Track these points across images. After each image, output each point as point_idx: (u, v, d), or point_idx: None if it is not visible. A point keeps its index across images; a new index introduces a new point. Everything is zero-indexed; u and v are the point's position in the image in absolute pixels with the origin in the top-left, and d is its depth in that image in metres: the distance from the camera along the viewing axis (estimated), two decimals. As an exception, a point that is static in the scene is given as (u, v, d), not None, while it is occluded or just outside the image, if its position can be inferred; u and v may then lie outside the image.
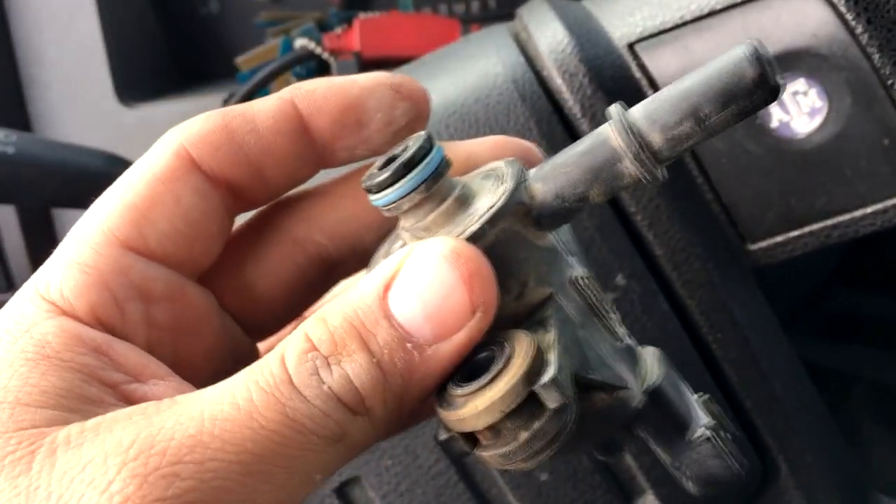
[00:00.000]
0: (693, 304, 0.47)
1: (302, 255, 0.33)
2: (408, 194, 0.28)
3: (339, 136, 0.31)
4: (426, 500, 0.46)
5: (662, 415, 0.31)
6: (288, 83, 0.97)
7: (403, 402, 0.26)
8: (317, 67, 0.98)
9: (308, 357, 0.25)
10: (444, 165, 0.29)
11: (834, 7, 0.44)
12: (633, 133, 0.27)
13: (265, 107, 0.31)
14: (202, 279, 0.33)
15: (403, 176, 0.28)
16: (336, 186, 0.34)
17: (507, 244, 0.28)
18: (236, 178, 0.31)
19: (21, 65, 0.91)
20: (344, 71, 0.92)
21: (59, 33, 0.90)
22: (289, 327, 0.35)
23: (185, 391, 0.27)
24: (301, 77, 0.97)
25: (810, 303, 0.72)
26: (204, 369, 0.31)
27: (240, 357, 0.33)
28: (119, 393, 0.27)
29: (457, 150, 0.33)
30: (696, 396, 0.32)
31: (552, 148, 0.47)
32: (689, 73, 0.27)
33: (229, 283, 0.33)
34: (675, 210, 0.46)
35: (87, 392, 0.26)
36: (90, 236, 0.29)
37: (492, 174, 0.30)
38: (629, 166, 0.27)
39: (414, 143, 0.29)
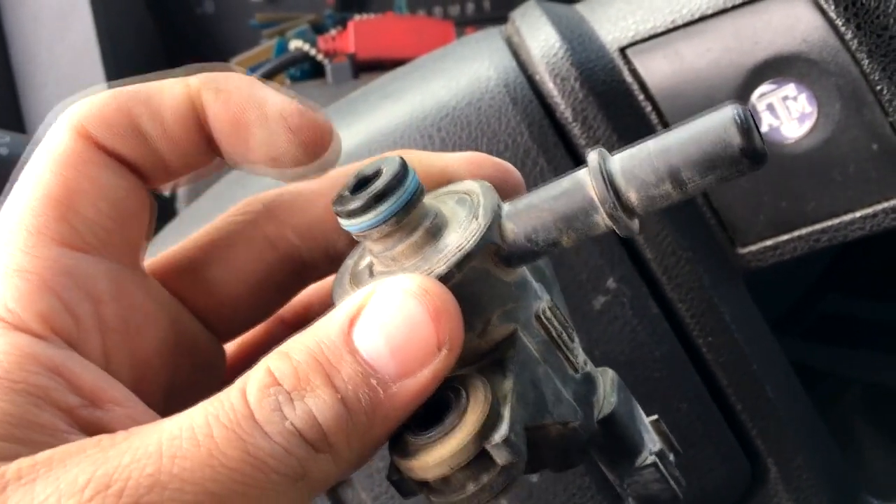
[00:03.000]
0: (683, 308, 0.47)
1: (272, 254, 0.32)
2: (377, 225, 0.27)
3: (227, 142, 0.30)
4: (416, 502, 0.46)
5: (614, 441, 0.31)
6: (283, 85, 0.97)
7: (367, 439, 0.25)
8: (311, 69, 0.98)
9: (270, 392, 0.24)
10: (416, 196, 0.28)
11: (824, 12, 0.44)
12: (610, 187, 0.26)
13: (171, 96, 0.29)
14: (165, 276, 0.32)
15: (374, 206, 0.27)
16: (311, 186, 0.33)
17: (473, 282, 0.27)
18: (135, 160, 0.29)
19: (15, 65, 0.90)
20: (338, 73, 0.92)
21: (53, 34, 0.90)
22: (256, 329, 0.35)
23: (143, 418, 0.26)
24: (295, 79, 0.98)
25: (800, 306, 0.72)
26: (160, 370, 0.30)
27: (201, 357, 0.32)
28: (73, 418, 0.25)
29: (433, 162, 0.32)
30: (648, 419, 0.33)
31: (544, 151, 0.47)
32: (671, 129, 0.26)
33: (194, 280, 0.32)
34: (665, 214, 0.47)
35: (39, 418, 0.24)
36: (19, 239, 0.27)
37: (466, 199, 0.30)
38: (604, 219, 0.26)
39: (387, 169, 0.28)
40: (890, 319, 0.71)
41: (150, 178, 0.30)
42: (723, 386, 0.47)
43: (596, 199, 0.26)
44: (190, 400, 0.30)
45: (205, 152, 0.30)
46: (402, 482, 0.27)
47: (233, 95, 0.29)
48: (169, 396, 0.30)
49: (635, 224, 0.27)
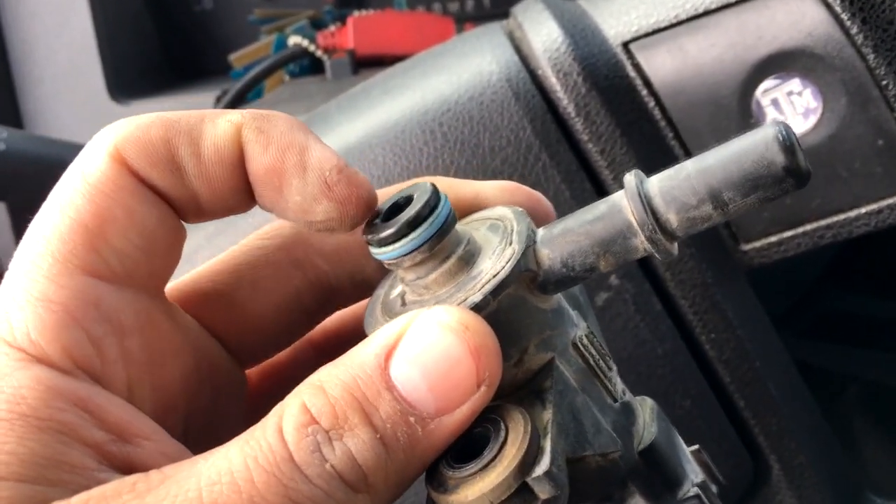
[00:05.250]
0: (686, 305, 0.47)
1: (300, 278, 0.32)
2: (409, 253, 0.27)
3: (261, 186, 0.29)
4: (418, 501, 0.46)
5: (655, 473, 0.31)
6: (281, 81, 0.97)
7: (403, 476, 0.25)
8: (310, 65, 0.97)
9: (308, 431, 0.23)
10: (449, 223, 0.27)
11: (829, 7, 0.44)
12: (649, 210, 0.25)
13: (212, 133, 0.28)
14: (189, 300, 0.31)
15: (406, 235, 0.27)
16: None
17: (509, 310, 0.27)
18: (169, 193, 0.29)
19: (13, 61, 0.90)
20: (338, 69, 0.91)
21: (51, 29, 0.89)
22: (281, 354, 0.34)
23: (173, 453, 0.26)
24: (294, 75, 0.97)
25: (801, 303, 0.72)
26: (182, 398, 0.29)
27: (222, 382, 0.31)
28: (102, 454, 0.24)
29: (465, 189, 0.31)
30: (689, 449, 0.33)
31: (546, 146, 0.46)
32: (711, 150, 0.25)
33: (218, 304, 0.31)
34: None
35: (69, 457, 0.24)
36: (44, 266, 0.26)
37: (499, 225, 0.29)
38: (643, 242, 0.26)
39: (419, 196, 0.27)
40: (891, 317, 0.71)
41: (183, 213, 0.29)
42: (725, 383, 0.47)
43: (634, 222, 0.26)
44: (210, 426, 0.30)
45: (242, 196, 0.29)
46: None
47: (274, 138, 0.28)
48: (188, 423, 0.30)
49: (674, 247, 0.26)
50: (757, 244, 0.47)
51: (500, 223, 0.29)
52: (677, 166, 0.26)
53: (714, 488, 0.32)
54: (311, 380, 0.25)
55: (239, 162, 0.28)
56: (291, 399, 0.24)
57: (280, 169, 0.28)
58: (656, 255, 0.26)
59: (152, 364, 0.28)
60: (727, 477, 0.47)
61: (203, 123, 0.28)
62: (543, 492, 0.25)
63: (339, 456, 0.23)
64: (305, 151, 0.28)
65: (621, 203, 0.26)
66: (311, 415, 0.24)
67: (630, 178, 0.26)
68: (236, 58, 1.00)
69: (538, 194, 0.33)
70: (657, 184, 0.26)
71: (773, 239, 0.47)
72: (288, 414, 0.24)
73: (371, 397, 0.24)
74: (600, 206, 0.27)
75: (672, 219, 0.25)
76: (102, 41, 0.90)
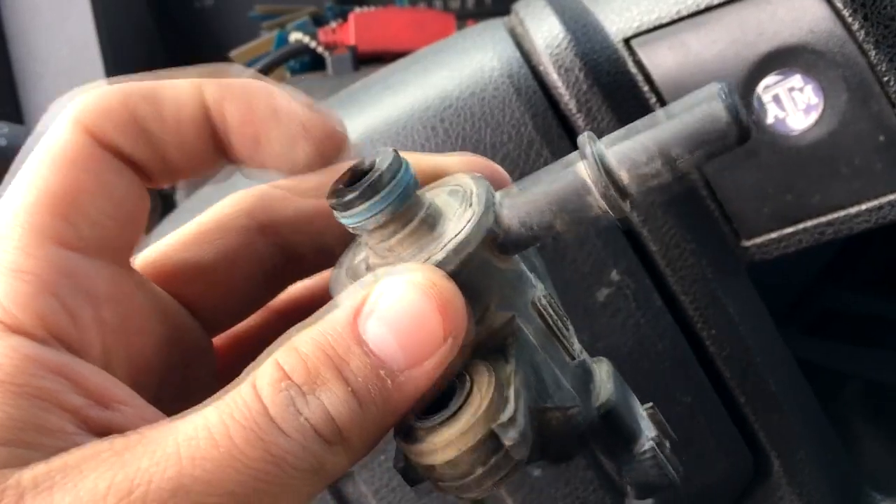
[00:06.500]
0: (687, 300, 0.47)
1: (264, 244, 0.32)
2: (373, 216, 0.28)
3: (241, 145, 0.29)
4: (418, 496, 0.46)
5: (612, 430, 0.32)
6: (283, 78, 0.97)
7: (377, 429, 0.25)
8: (311, 61, 0.97)
9: (282, 387, 0.24)
10: (411, 186, 0.28)
11: (830, 3, 0.44)
12: (602, 168, 0.27)
13: (173, 93, 0.28)
14: (156, 270, 0.31)
15: (370, 197, 0.27)
16: (306, 179, 0.32)
17: (471, 270, 0.27)
18: (139, 159, 0.29)
19: (14, 57, 0.90)
20: (339, 65, 0.91)
21: (52, 25, 0.89)
22: (247, 321, 0.34)
23: (150, 417, 0.26)
24: (295, 71, 0.97)
25: (801, 301, 0.72)
26: (155, 367, 0.30)
27: (191, 350, 0.32)
28: (81, 419, 0.25)
29: (425, 162, 0.32)
30: (643, 408, 0.34)
31: (547, 142, 0.47)
32: (659, 110, 0.27)
33: (185, 272, 0.32)
34: (669, 205, 0.46)
35: (47, 422, 0.24)
36: (15, 237, 0.26)
37: (458, 190, 0.30)
38: (597, 200, 0.27)
39: (381, 160, 0.28)
40: (891, 315, 0.71)
41: (153, 177, 0.30)
42: (726, 379, 0.47)
43: (588, 180, 0.27)
44: (181, 393, 0.30)
45: (213, 155, 0.30)
46: (408, 469, 0.27)
47: (248, 98, 0.29)
48: (160, 391, 0.30)
49: (627, 205, 0.27)
50: (758, 240, 0.47)
51: (460, 188, 0.30)
52: (629, 126, 0.27)
53: (667, 444, 0.33)
54: (283, 339, 0.25)
55: (203, 118, 0.29)
56: (264, 358, 0.25)
57: (252, 119, 0.28)
58: (609, 211, 0.27)
59: (126, 332, 0.28)
60: (727, 473, 0.47)
61: (163, 86, 0.29)
62: (509, 438, 0.26)
63: (313, 410, 0.24)
64: (273, 98, 0.29)
65: (575, 162, 0.27)
66: (283, 371, 0.24)
67: (583, 138, 0.27)
68: (237, 54, 1.00)
69: (497, 167, 0.33)
70: (609, 143, 0.27)
71: (773, 235, 0.47)
72: (262, 372, 0.24)
73: (342, 353, 0.25)
74: (555, 167, 0.28)
75: (624, 176, 0.27)
76: (103, 37, 0.90)
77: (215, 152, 0.30)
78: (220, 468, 0.23)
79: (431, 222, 0.29)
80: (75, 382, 0.25)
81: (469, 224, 0.27)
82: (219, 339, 0.34)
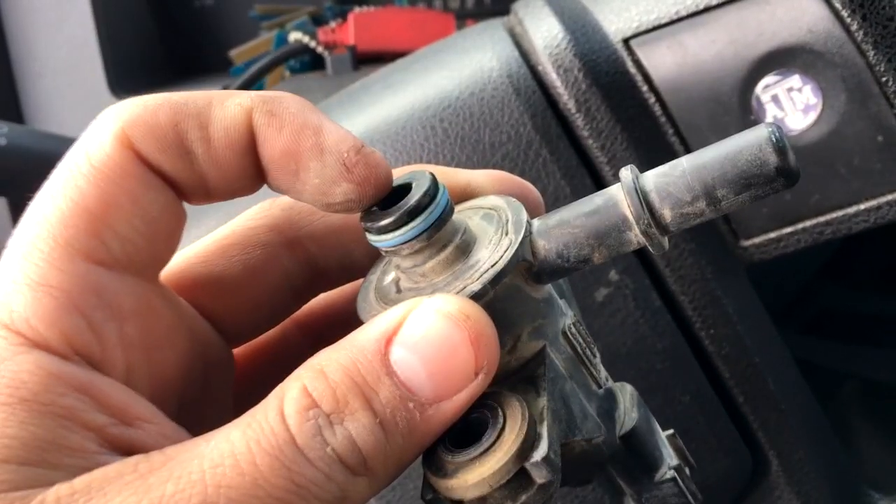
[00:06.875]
0: (686, 300, 0.47)
1: (289, 258, 0.32)
2: (409, 242, 0.27)
3: (277, 171, 0.28)
4: (417, 495, 0.46)
5: (634, 456, 0.32)
6: (282, 77, 0.97)
7: (402, 460, 0.25)
8: (311, 61, 0.97)
9: (310, 415, 0.24)
10: (447, 213, 0.28)
11: (829, 3, 0.44)
12: (644, 205, 0.26)
13: (222, 116, 0.28)
14: (180, 280, 0.31)
15: (406, 223, 0.27)
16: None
17: (505, 299, 0.27)
18: (176, 178, 0.28)
19: (13, 56, 0.90)
20: (339, 65, 0.92)
21: (51, 24, 0.89)
22: (268, 334, 0.34)
23: (172, 434, 0.26)
24: (295, 71, 0.97)
25: (801, 299, 0.72)
26: (176, 379, 0.29)
27: (212, 362, 0.31)
28: (104, 438, 0.24)
29: (457, 177, 0.32)
30: (664, 434, 0.34)
31: (546, 142, 0.47)
32: (706, 148, 0.26)
33: (210, 284, 0.31)
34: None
35: (70, 440, 0.24)
36: (45, 249, 0.26)
37: (492, 215, 0.29)
38: (637, 236, 0.27)
39: (418, 185, 0.28)
40: (889, 314, 0.71)
41: (190, 196, 0.29)
42: (725, 378, 0.47)
43: (630, 216, 0.26)
44: (201, 405, 0.31)
45: (252, 181, 0.29)
46: (437, 501, 0.26)
47: (296, 131, 0.28)
48: (181, 403, 0.30)
49: (666, 241, 0.27)
50: (756, 240, 0.48)
51: (494, 213, 0.30)
52: (672, 162, 0.26)
53: (688, 471, 0.33)
54: (311, 363, 0.25)
55: (250, 145, 0.28)
56: (292, 382, 0.25)
57: (296, 151, 0.28)
58: (650, 248, 0.27)
59: (150, 348, 0.28)
60: (726, 472, 0.47)
61: (212, 106, 0.28)
62: (541, 476, 0.25)
63: (339, 440, 0.24)
64: (321, 133, 0.28)
65: (617, 197, 0.27)
66: (312, 398, 0.24)
67: (626, 172, 0.27)
68: (237, 54, 1.00)
69: (528, 184, 0.33)
70: (653, 179, 0.26)
71: (772, 235, 0.47)
72: (289, 397, 0.24)
73: (371, 382, 0.24)
74: (596, 200, 0.27)
75: (667, 214, 0.26)
76: (103, 36, 0.90)
77: (255, 178, 0.29)
78: (245, 497, 0.23)
79: (465, 248, 0.28)
80: (98, 400, 0.25)
81: (507, 253, 0.27)
82: (239, 351, 0.34)
